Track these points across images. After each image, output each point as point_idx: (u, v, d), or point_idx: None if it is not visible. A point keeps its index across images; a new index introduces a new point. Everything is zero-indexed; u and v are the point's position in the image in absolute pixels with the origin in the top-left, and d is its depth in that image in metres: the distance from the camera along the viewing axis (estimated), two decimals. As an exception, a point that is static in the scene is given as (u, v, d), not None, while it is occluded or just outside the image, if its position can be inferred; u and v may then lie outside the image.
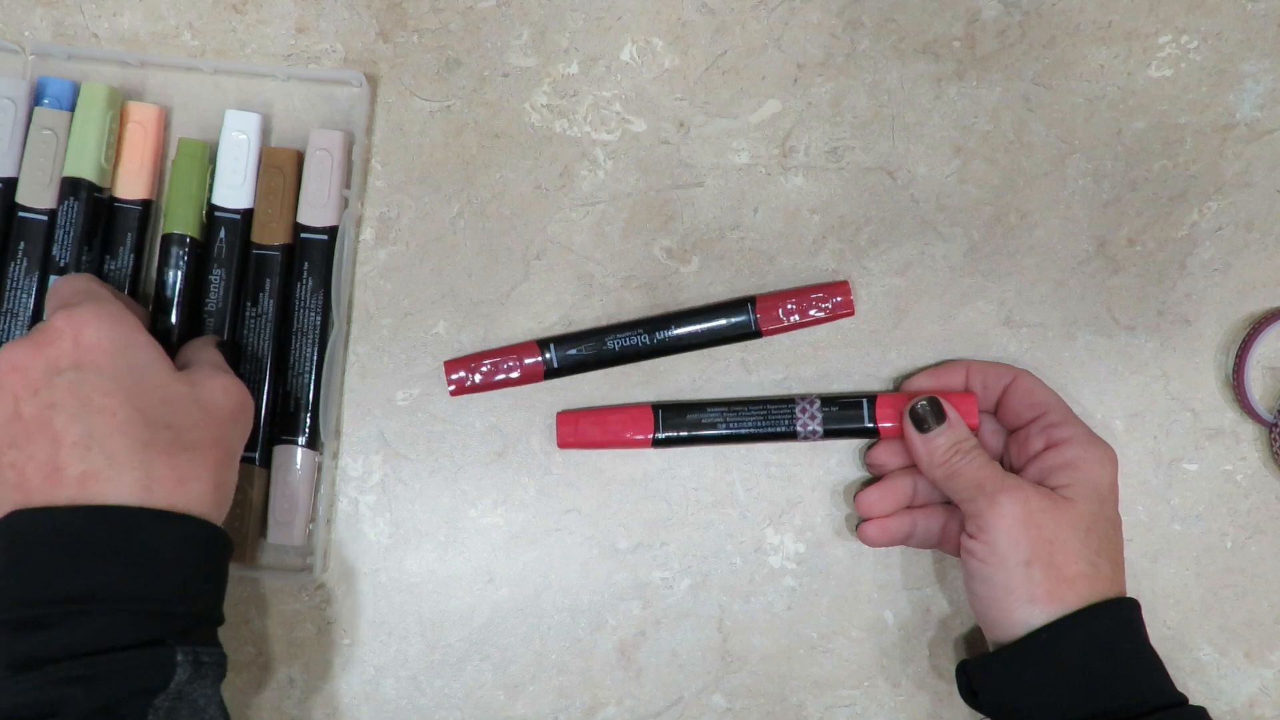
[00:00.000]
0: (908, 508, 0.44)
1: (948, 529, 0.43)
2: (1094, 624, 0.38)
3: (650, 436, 0.44)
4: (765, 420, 0.44)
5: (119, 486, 0.34)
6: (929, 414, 0.41)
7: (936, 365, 0.45)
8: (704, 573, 0.46)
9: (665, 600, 0.45)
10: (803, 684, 0.45)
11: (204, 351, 0.41)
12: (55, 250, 0.43)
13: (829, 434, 0.44)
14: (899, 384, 0.46)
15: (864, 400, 0.44)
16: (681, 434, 0.44)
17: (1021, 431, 0.43)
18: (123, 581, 0.34)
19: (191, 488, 0.36)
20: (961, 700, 0.42)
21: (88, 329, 0.36)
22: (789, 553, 0.46)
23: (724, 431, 0.44)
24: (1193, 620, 0.46)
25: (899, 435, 0.43)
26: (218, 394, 0.38)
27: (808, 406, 0.44)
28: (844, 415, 0.44)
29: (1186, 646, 0.45)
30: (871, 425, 0.44)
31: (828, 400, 0.44)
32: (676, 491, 0.46)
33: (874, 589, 0.45)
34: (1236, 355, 0.45)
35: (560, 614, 0.45)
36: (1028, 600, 0.39)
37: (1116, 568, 0.40)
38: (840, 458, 0.46)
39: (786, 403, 0.44)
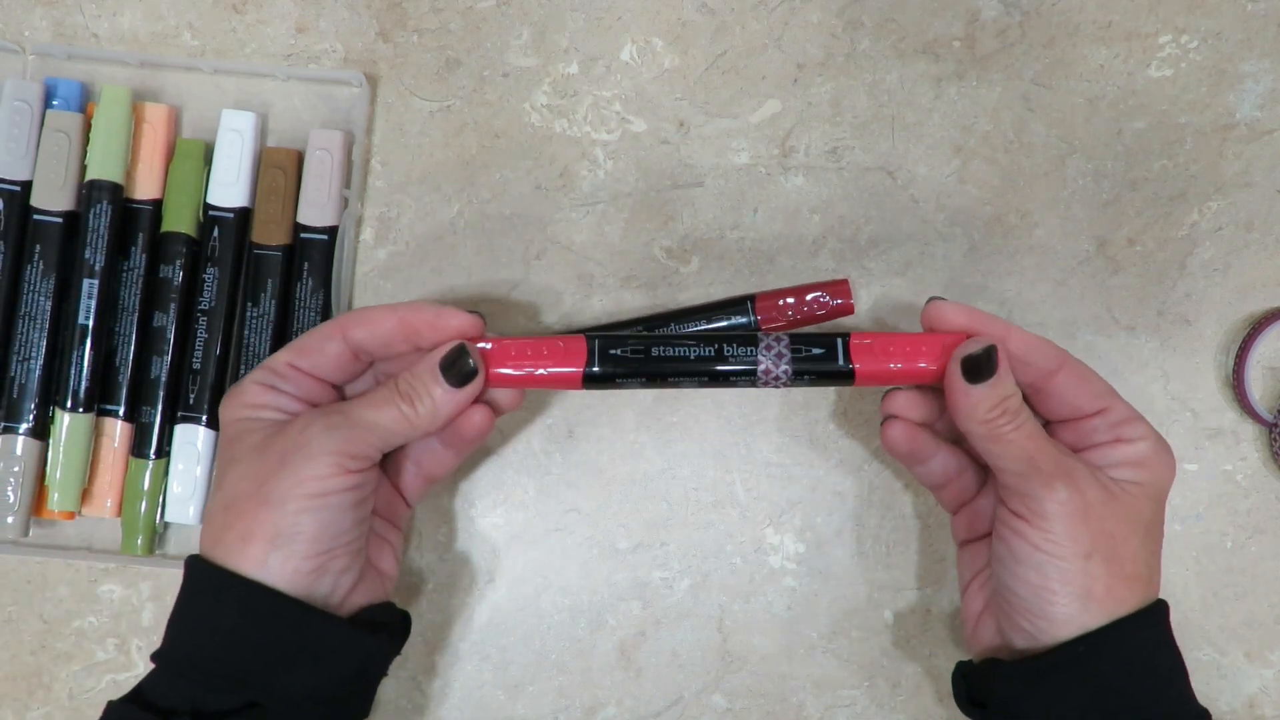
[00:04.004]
0: (933, 430, 0.40)
1: (959, 480, 0.40)
2: (1138, 636, 0.36)
3: (582, 371, 0.37)
4: (719, 358, 0.36)
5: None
6: (983, 363, 0.35)
7: (972, 309, 0.37)
8: (704, 573, 0.46)
9: (665, 600, 0.45)
10: (803, 684, 0.45)
11: (375, 387, 0.39)
12: (88, 254, 0.43)
13: (797, 377, 0.37)
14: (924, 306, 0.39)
15: (838, 339, 0.37)
16: (620, 369, 0.36)
17: (1074, 424, 0.38)
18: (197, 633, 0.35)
19: (230, 556, 0.36)
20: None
21: (222, 403, 0.38)
22: (789, 553, 0.46)
23: (670, 367, 0.36)
24: (1193, 620, 0.46)
25: (879, 381, 0.38)
26: (281, 439, 0.37)
27: (774, 344, 0.37)
28: (813, 357, 0.36)
29: (1186, 646, 0.45)
30: (846, 366, 0.37)
31: (798, 339, 0.37)
32: (676, 491, 0.46)
33: (874, 589, 0.45)
34: (1236, 355, 0.45)
35: (560, 614, 0.45)
36: (1083, 595, 0.35)
37: (1158, 576, 0.37)
38: (840, 457, 0.46)
39: (748, 341, 0.37)
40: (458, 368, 0.36)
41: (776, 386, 0.37)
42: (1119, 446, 0.36)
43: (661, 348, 0.36)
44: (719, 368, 0.37)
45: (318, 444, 0.35)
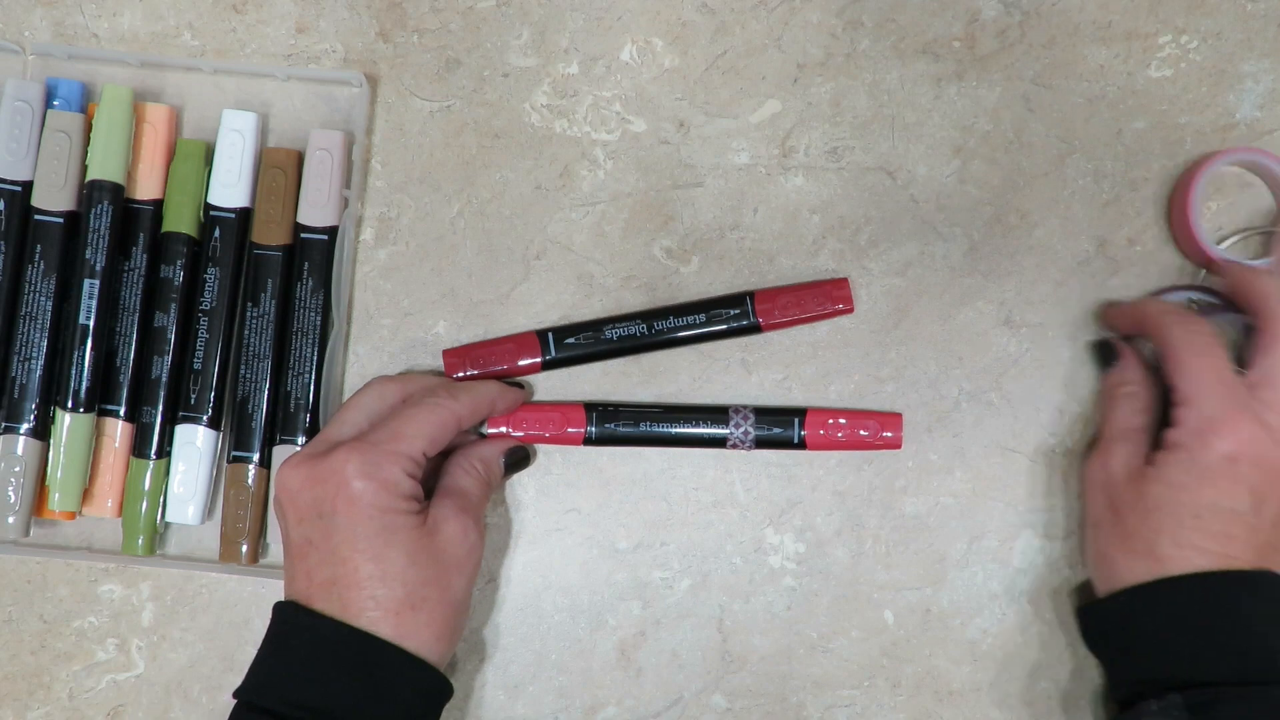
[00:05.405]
0: None
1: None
2: (1172, 594, 0.38)
3: (583, 433, 0.44)
4: (697, 425, 0.44)
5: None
6: (1098, 354, 0.45)
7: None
8: (704, 573, 0.46)
9: (665, 600, 0.45)
10: (803, 684, 0.45)
11: (468, 477, 0.42)
12: (89, 254, 0.43)
13: (760, 444, 0.44)
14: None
15: (795, 419, 0.44)
16: (613, 429, 0.44)
17: None
18: (357, 707, 0.37)
19: (410, 643, 0.38)
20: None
21: (357, 483, 0.37)
22: (789, 553, 0.46)
23: (656, 431, 0.44)
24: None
25: (829, 448, 0.45)
26: (450, 544, 0.39)
27: (740, 419, 0.44)
28: (774, 435, 0.44)
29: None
30: (799, 442, 0.44)
31: (761, 412, 0.45)
32: (676, 491, 0.46)
33: (874, 589, 0.45)
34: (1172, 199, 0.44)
35: (560, 614, 0.45)
36: (1093, 559, 0.41)
37: (1183, 551, 0.38)
38: (841, 457, 0.46)
39: (720, 411, 0.45)
40: (520, 462, 0.45)
41: (742, 449, 0.45)
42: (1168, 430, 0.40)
43: (649, 425, 0.44)
44: (694, 441, 0.45)
45: (480, 547, 0.41)
